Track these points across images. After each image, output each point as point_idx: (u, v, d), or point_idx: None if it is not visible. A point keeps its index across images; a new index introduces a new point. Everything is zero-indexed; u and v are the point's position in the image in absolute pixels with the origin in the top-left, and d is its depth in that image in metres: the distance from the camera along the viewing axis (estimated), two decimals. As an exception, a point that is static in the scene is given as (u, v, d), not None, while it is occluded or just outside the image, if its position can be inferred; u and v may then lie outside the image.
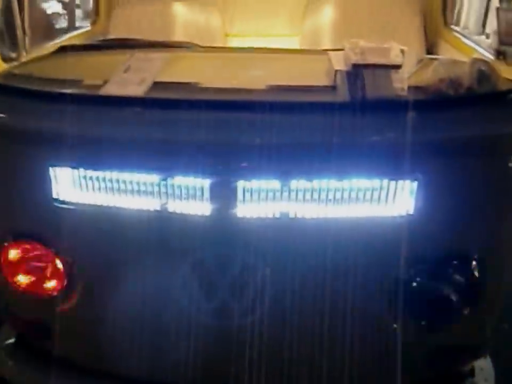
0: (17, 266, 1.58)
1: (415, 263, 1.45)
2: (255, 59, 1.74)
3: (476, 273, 1.45)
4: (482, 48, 2.43)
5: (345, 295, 1.42)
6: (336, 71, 1.53)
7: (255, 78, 1.60)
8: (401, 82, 1.53)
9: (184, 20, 2.74)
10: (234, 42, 2.93)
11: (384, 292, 1.48)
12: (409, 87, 1.51)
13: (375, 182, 1.43)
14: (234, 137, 1.40)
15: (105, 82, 1.55)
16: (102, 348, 1.58)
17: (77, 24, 3.16)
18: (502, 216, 1.48)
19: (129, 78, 1.56)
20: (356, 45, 1.57)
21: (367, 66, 1.50)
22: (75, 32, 2.75)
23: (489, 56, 2.17)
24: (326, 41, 2.76)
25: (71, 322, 1.57)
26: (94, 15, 2.91)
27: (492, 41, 1.95)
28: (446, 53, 2.73)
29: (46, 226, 1.55)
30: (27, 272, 1.57)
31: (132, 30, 2.73)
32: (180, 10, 2.75)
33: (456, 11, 2.90)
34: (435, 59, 1.74)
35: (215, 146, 1.39)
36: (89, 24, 2.95)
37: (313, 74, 1.62)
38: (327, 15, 2.78)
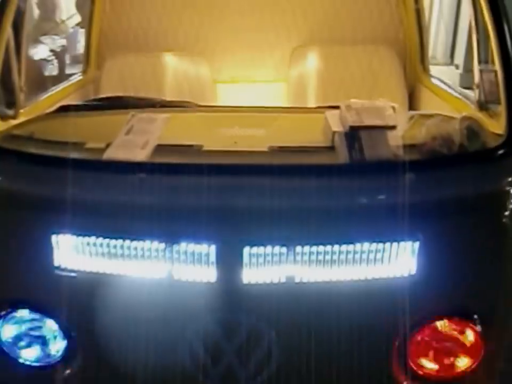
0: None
1: (418, 321, 1.48)
2: (252, 118, 1.78)
3: (478, 330, 1.49)
4: (460, 94, 2.54)
5: (351, 357, 1.43)
6: (334, 132, 1.58)
7: (255, 139, 1.64)
8: (397, 142, 1.59)
9: (174, 70, 2.80)
10: (222, 89, 2.99)
11: (387, 352, 1.50)
12: (404, 147, 1.57)
13: (377, 244, 1.46)
14: (237, 202, 1.42)
15: (108, 145, 1.57)
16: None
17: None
18: (501, 271, 1.53)
19: (132, 140, 1.58)
20: (350, 105, 1.63)
21: (363, 128, 1.55)
22: (67, 83, 2.77)
23: (469, 103, 2.29)
24: (311, 88, 2.84)
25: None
26: (84, 64, 2.95)
27: (475, 95, 2.04)
28: (426, 98, 2.85)
29: (47, 294, 1.53)
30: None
31: (124, 80, 2.78)
32: (169, 61, 2.81)
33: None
34: (425, 115, 1.80)
35: (219, 212, 1.42)
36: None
37: (312, 135, 1.67)
38: (311, 63, 2.87)
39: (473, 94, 2.11)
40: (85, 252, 1.49)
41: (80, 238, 1.48)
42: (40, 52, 4.38)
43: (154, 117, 1.67)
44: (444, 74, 2.98)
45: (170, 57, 2.81)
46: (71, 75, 3.09)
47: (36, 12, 5.90)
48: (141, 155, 1.52)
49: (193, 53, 2.91)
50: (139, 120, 1.67)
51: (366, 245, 1.46)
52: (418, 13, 2.87)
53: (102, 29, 2.96)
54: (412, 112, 1.75)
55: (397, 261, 1.49)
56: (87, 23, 2.99)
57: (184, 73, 2.82)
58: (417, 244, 1.48)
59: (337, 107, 1.76)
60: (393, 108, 1.72)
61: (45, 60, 4.34)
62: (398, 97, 2.83)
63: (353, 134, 1.54)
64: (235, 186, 1.44)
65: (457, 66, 8.35)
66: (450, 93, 2.62)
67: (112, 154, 1.53)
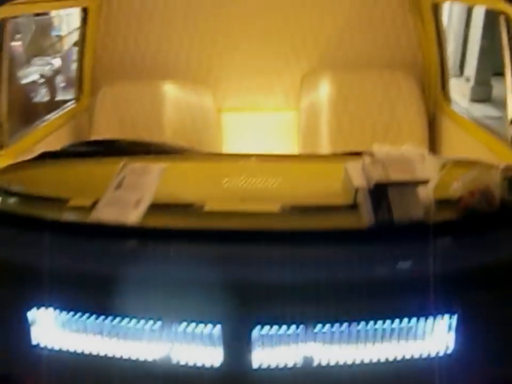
0: None
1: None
2: (260, 169, 1.56)
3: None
4: (483, 125, 2.34)
5: None
6: (356, 189, 1.36)
7: (265, 195, 1.43)
8: (428, 199, 1.38)
9: (174, 99, 2.59)
10: (227, 118, 2.79)
11: None
12: (437, 204, 1.36)
13: (410, 320, 1.25)
14: (245, 274, 1.21)
15: (96, 202, 1.36)
16: None
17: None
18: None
19: (122, 197, 1.37)
20: (374, 155, 1.41)
21: (391, 184, 1.34)
22: (57, 112, 2.57)
23: (496, 137, 2.10)
24: (324, 118, 2.64)
25: None
26: (77, 91, 2.75)
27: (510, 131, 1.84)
28: (447, 129, 2.64)
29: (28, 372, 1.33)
30: None
31: (120, 110, 2.58)
32: (170, 90, 2.60)
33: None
34: (459, 162, 1.59)
35: (224, 285, 1.20)
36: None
37: (330, 190, 1.45)
38: (323, 90, 2.66)
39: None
40: (69, 329, 1.28)
41: (64, 313, 1.27)
42: (30, 75, 4.19)
43: (149, 167, 1.46)
44: (453, 86, 2.78)
45: (171, 85, 2.60)
46: (64, 102, 2.88)
47: (32, 27, 5.76)
48: (133, 216, 1.31)
49: (196, 80, 2.70)
50: (131, 171, 1.46)
51: (396, 321, 1.25)
52: (439, 33, 2.66)
53: (96, 52, 2.75)
54: (443, 159, 1.53)
55: (431, 338, 1.28)
56: (79, 45, 2.76)
57: (186, 103, 2.61)
58: (455, 318, 1.28)
59: (357, 154, 1.55)
60: (422, 156, 1.52)
61: (35, 82, 4.15)
62: (417, 128, 2.62)
63: (379, 191, 1.32)
64: (242, 255, 1.23)
65: (467, 79, 8.12)
66: (475, 123, 2.42)
67: (100, 214, 1.32)
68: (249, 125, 2.84)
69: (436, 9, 2.64)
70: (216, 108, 2.71)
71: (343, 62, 2.73)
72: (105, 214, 1.33)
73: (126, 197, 1.38)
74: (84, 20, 2.69)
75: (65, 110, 2.66)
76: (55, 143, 2.49)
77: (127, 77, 2.70)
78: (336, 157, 1.65)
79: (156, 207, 1.33)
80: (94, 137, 2.61)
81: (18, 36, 6.15)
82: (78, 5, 2.71)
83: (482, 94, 6.90)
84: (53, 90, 4.25)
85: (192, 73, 2.72)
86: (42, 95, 4.12)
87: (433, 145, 2.71)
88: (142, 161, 1.50)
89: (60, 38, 8.28)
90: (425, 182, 1.36)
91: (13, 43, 5.38)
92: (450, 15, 8.34)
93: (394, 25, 2.72)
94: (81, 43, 2.73)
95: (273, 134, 2.85)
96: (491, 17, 7.92)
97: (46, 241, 1.26)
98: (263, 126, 2.84)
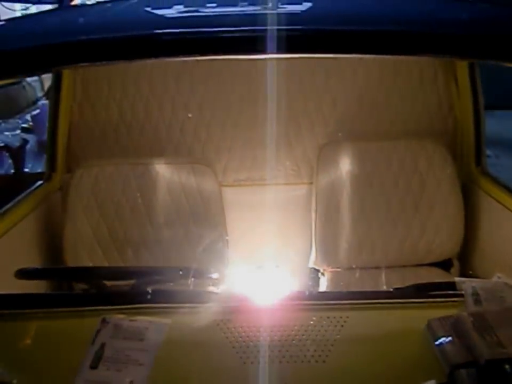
0: None
1: None
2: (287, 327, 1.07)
3: None
4: None
5: None
6: (454, 368, 0.91)
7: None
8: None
9: (167, 180, 2.14)
10: (229, 194, 2.35)
11: None
12: None
13: None
14: None
15: None
16: None
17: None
18: None
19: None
20: (473, 309, 0.98)
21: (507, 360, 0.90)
22: (22, 196, 2.11)
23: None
24: (345, 196, 2.22)
25: None
26: (49, 169, 2.28)
27: None
28: (484, 207, 2.24)
29: None
30: None
31: (100, 194, 2.12)
32: (161, 169, 2.14)
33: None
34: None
35: None
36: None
37: (407, 369, 0.98)
38: (344, 163, 2.24)
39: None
40: None
41: None
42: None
43: (142, 324, 1.00)
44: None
45: (162, 164, 2.15)
46: (34, 175, 2.41)
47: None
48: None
49: (192, 154, 2.27)
50: (115, 332, 0.99)
51: None
52: (475, 95, 2.29)
53: (72, 121, 2.31)
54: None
55: None
56: (51, 113, 2.28)
57: (181, 183, 2.15)
58: None
59: (424, 289, 1.12)
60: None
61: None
62: (452, 206, 2.21)
63: (491, 373, 0.89)
64: None
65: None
66: None
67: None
68: (255, 201, 2.40)
69: (473, 66, 2.27)
70: (218, 187, 2.28)
71: (362, 131, 2.33)
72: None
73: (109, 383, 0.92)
74: (57, 85, 2.26)
75: (33, 191, 2.20)
76: (21, 235, 2.03)
77: (109, 152, 2.25)
78: (404, 299, 1.17)
79: None
80: (68, 225, 2.14)
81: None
82: None
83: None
84: (18, 162, 3.78)
85: (188, 146, 2.29)
86: (7, 167, 3.67)
87: (469, 223, 2.31)
88: (131, 312, 1.04)
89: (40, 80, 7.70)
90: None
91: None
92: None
93: (422, 86, 2.34)
94: (53, 112, 2.27)
95: (282, 210, 2.42)
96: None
97: None
98: (271, 202, 2.41)
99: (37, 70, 1.22)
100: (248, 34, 1.04)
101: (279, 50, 1.02)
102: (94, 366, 0.94)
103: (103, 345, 0.98)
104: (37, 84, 7.27)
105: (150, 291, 1.12)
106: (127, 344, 0.98)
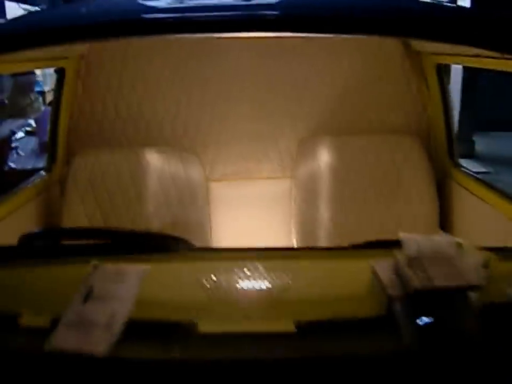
0: None
1: None
2: (262, 268, 1.25)
3: None
4: (493, 188, 2.13)
5: None
6: (389, 297, 1.07)
7: (272, 310, 1.12)
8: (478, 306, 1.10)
9: (158, 169, 2.31)
10: (216, 187, 2.51)
11: None
12: (491, 312, 1.08)
13: None
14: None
15: (54, 321, 1.04)
16: None
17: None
18: None
19: (90, 315, 1.06)
20: (408, 252, 1.14)
21: (435, 291, 1.06)
22: (24, 185, 2.27)
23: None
24: (324, 187, 2.38)
25: None
26: (49, 161, 2.46)
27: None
28: (457, 196, 2.41)
29: None
30: None
31: (95, 181, 2.29)
32: (152, 158, 2.32)
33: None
34: (502, 251, 1.33)
35: None
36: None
37: (352, 299, 1.15)
38: (322, 156, 2.42)
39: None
40: None
41: None
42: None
43: (124, 271, 1.16)
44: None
45: (153, 153, 2.33)
46: (33, 171, 2.57)
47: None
48: (102, 344, 1.00)
49: (182, 147, 2.45)
50: (103, 276, 1.15)
51: None
52: (444, 96, 2.47)
53: (72, 117, 2.49)
54: (483, 249, 1.27)
55: None
56: (53, 109, 2.48)
57: (170, 173, 2.33)
58: None
59: (382, 245, 1.28)
60: (461, 248, 1.25)
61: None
62: (427, 196, 2.37)
63: (420, 301, 1.05)
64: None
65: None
66: (487, 187, 2.20)
67: (58, 341, 1.01)
68: (241, 194, 2.56)
69: (440, 71, 2.46)
70: (204, 177, 2.44)
71: (342, 126, 2.51)
72: (66, 340, 1.01)
73: (95, 313, 1.07)
74: (60, 81, 2.44)
75: (34, 181, 2.37)
76: (21, 221, 2.19)
77: (105, 144, 2.43)
78: (356, 251, 1.35)
79: (134, 329, 1.02)
80: (65, 213, 2.31)
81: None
82: (53, 65, 2.47)
83: (465, 149, 6.91)
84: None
85: (178, 140, 2.47)
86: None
87: (444, 214, 2.46)
88: (116, 262, 1.20)
89: (43, 94, 7.96)
90: (476, 288, 1.09)
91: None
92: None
93: (397, 87, 2.53)
94: (55, 106, 2.46)
95: (267, 203, 2.58)
96: (471, 71, 7.96)
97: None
98: (256, 195, 2.57)
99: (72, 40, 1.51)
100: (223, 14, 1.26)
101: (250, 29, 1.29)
102: (84, 301, 1.10)
103: (91, 287, 1.14)
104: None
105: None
106: (112, 285, 1.14)
